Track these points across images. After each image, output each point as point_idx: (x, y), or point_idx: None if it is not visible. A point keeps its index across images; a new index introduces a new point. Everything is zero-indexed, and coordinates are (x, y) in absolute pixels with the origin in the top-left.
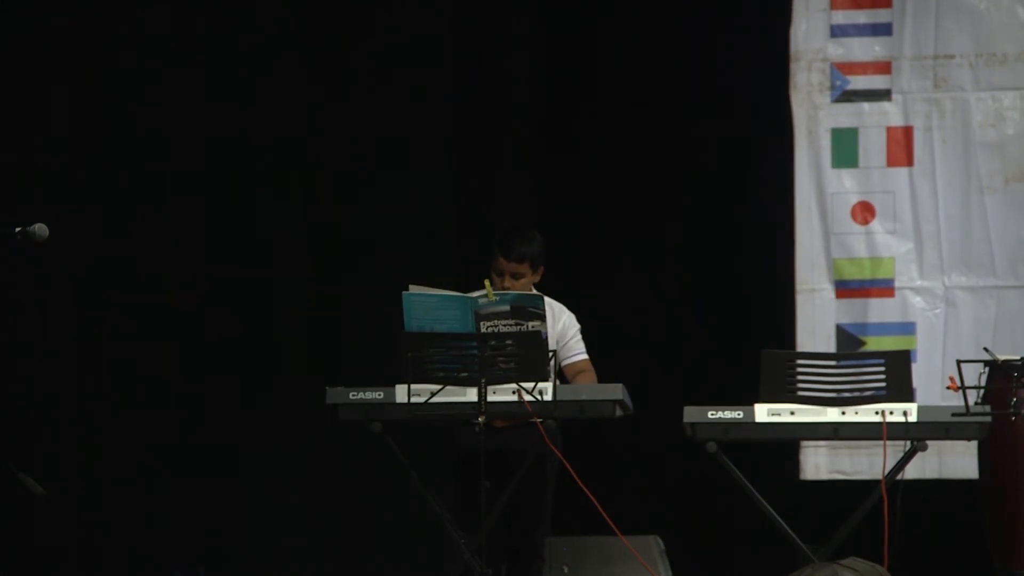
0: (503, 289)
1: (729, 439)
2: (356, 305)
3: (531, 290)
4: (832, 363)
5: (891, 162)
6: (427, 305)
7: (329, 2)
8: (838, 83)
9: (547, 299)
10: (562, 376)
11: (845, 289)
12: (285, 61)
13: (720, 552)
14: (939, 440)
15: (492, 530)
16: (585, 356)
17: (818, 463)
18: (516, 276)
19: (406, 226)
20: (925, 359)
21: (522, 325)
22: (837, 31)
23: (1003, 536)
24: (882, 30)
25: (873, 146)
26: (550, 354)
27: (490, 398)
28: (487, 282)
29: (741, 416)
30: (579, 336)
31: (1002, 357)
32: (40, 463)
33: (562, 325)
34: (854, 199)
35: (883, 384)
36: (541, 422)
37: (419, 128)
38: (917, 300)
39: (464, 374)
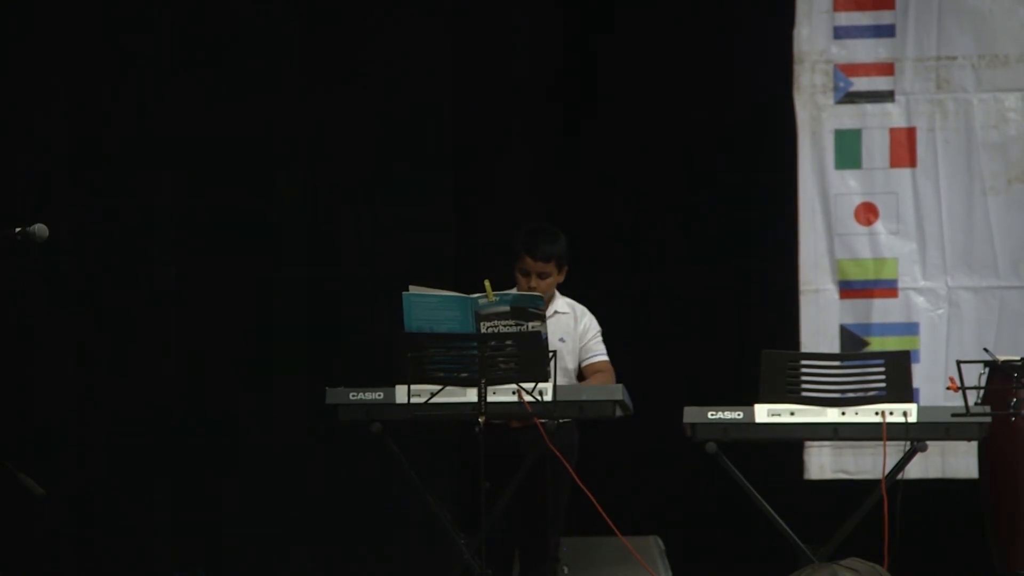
0: (529, 290)
1: (729, 439)
2: (356, 305)
3: (555, 290)
4: (831, 363)
5: (894, 163)
6: (427, 305)
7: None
8: (841, 84)
9: (570, 301)
10: (581, 376)
11: (849, 290)
12: (285, 60)
13: (720, 552)
14: (940, 441)
15: (504, 530)
16: (604, 357)
17: (822, 463)
18: (542, 276)
19: (406, 226)
20: (928, 359)
21: (522, 325)
22: (840, 33)
23: (1003, 536)
24: (885, 31)
25: (876, 147)
26: (550, 355)
27: (490, 398)
28: (487, 282)
29: (741, 416)
30: (599, 338)
31: (1002, 357)
32: (40, 463)
33: (583, 326)
34: (857, 200)
35: (883, 384)
36: (543, 423)
37: (419, 127)
38: (920, 300)
39: (464, 374)
